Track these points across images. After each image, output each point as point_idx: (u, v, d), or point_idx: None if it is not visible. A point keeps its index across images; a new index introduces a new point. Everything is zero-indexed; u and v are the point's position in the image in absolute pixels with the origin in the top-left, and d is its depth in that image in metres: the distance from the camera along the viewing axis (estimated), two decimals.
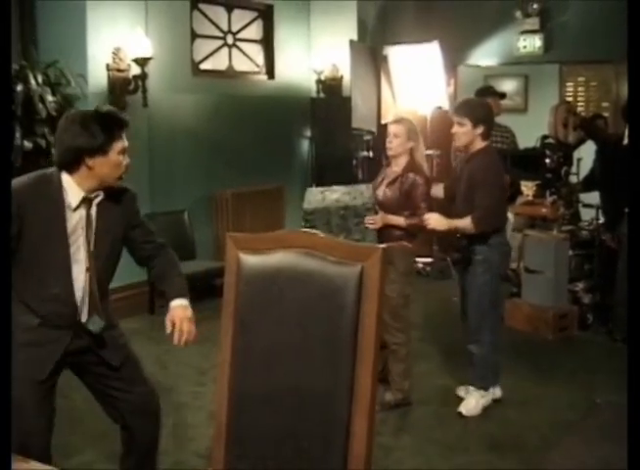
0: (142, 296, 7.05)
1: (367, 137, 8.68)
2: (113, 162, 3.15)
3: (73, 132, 3.05)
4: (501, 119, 7.39)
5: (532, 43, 9.13)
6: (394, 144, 4.92)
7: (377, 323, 2.02)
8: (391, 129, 4.96)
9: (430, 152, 8.26)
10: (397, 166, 4.95)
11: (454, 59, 9.10)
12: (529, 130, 7.38)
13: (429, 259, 8.51)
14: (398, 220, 4.83)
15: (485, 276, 4.76)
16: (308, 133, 9.13)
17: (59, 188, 3.11)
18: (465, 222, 4.65)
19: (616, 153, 6.30)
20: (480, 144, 4.75)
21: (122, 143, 3.17)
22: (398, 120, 5.00)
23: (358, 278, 2.03)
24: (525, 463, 4.31)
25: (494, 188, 4.70)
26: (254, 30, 8.65)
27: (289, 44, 8.83)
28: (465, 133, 4.73)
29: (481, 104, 5.00)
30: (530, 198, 6.88)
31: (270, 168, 8.43)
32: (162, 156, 7.31)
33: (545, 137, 7.08)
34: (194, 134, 7.63)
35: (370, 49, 8.76)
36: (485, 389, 4.96)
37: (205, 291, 7.03)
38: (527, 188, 6.88)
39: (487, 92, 7.04)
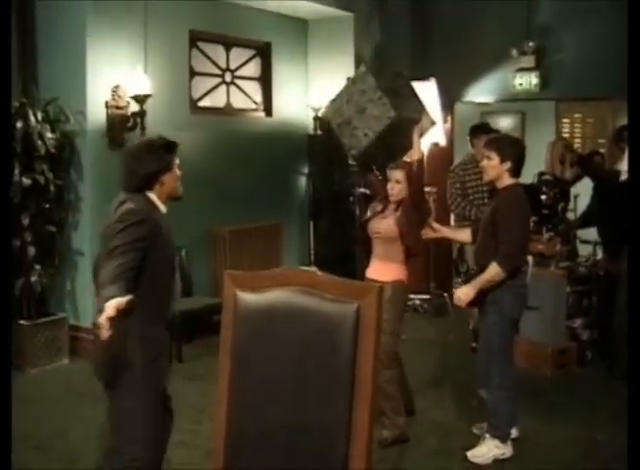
0: None
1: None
2: (176, 175, 3.79)
3: (146, 159, 3.65)
4: None
5: (529, 80, 9.21)
6: (396, 190, 4.98)
7: (374, 361, 2.01)
8: (393, 176, 5.00)
9: (427, 189, 8.30)
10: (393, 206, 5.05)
11: (451, 96, 9.17)
12: (526, 167, 7.36)
13: (425, 296, 8.51)
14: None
15: (495, 317, 4.67)
16: (306, 170, 9.16)
17: (155, 207, 3.76)
18: (491, 270, 4.57)
19: (613, 189, 6.32)
20: (507, 180, 4.71)
21: (176, 159, 3.78)
22: (399, 166, 5.04)
23: (355, 316, 2.03)
24: None
25: (518, 225, 4.63)
26: (253, 68, 8.71)
27: (286, 81, 8.89)
28: (492, 167, 4.71)
29: (513, 141, 4.94)
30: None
31: (268, 205, 8.45)
32: None
33: (542, 174, 7.11)
34: (192, 171, 7.58)
35: None
36: (502, 440, 4.75)
37: (202, 328, 7.03)
38: None
39: (481, 129, 7.09)
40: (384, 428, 4.93)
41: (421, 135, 5.20)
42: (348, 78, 5.49)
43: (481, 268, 4.67)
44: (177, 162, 3.79)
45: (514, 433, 4.93)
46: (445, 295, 8.65)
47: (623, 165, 6.16)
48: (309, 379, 2.10)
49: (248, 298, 2.23)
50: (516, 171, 4.72)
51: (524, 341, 6.56)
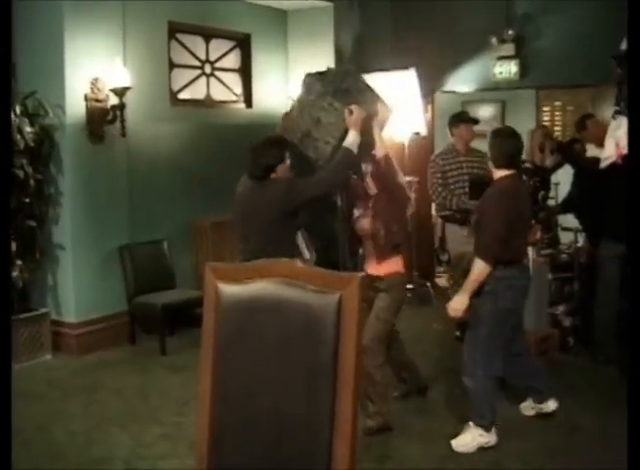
0: (122, 326, 7.01)
1: None
2: (287, 167, 4.81)
3: (270, 153, 4.75)
4: (479, 145, 7.45)
5: (508, 69, 9.22)
6: (372, 185, 5.04)
7: (356, 351, 2.01)
8: (368, 170, 5.04)
9: (408, 178, 8.30)
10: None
11: (431, 85, 9.17)
12: None
13: (409, 286, 8.52)
14: None
15: (488, 307, 4.68)
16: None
17: None
18: (474, 267, 4.62)
19: (593, 176, 6.35)
20: (497, 173, 4.78)
21: (287, 154, 4.83)
22: (371, 160, 5.04)
23: (337, 307, 2.03)
24: None
25: (495, 216, 4.60)
26: (232, 60, 8.68)
27: (266, 73, 8.87)
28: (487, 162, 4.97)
29: (496, 133, 4.97)
30: None
31: None
32: (141, 185, 7.30)
33: (522, 162, 7.12)
34: (172, 164, 7.63)
35: None
36: (486, 428, 4.76)
37: (185, 320, 7.02)
38: None
39: (460, 118, 7.11)
40: (367, 417, 4.95)
41: (381, 127, 5.17)
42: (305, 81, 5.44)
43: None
44: (288, 155, 4.79)
45: (552, 405, 5.13)
46: (428, 284, 8.68)
47: (602, 153, 6.18)
48: (292, 370, 2.10)
49: (229, 290, 2.22)
50: (503, 162, 4.73)
51: None
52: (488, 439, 4.76)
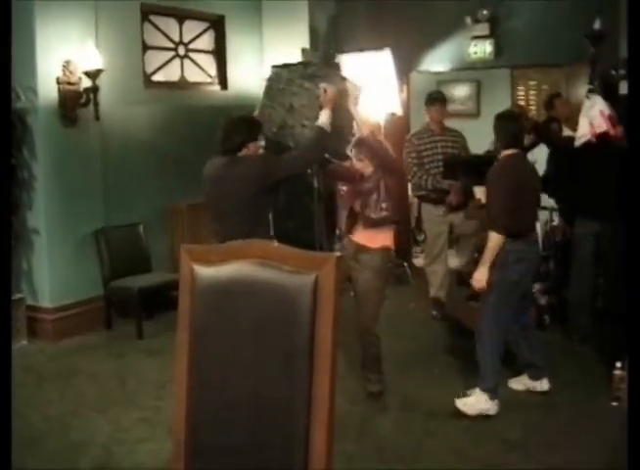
0: (98, 311, 6.97)
1: None
2: (258, 146, 4.82)
3: (243, 129, 4.76)
4: (454, 124, 7.47)
5: (483, 48, 9.22)
6: (363, 166, 5.10)
7: (333, 332, 2.01)
8: (355, 154, 5.12)
9: None
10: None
11: (406, 65, 9.15)
12: (482, 135, 7.44)
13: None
14: None
15: (496, 278, 4.92)
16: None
17: None
18: (489, 239, 4.91)
19: (568, 156, 6.37)
20: (503, 153, 5.08)
21: (261, 137, 4.88)
22: (359, 143, 5.11)
23: (313, 287, 2.02)
24: (486, 466, 4.33)
25: (500, 190, 4.93)
26: (206, 41, 8.61)
27: (241, 54, 8.81)
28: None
29: (499, 116, 5.24)
30: (485, 202, 6.93)
31: None
32: (116, 169, 7.24)
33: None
34: (147, 146, 7.58)
35: (322, 57, 8.76)
36: (491, 396, 4.95)
37: (162, 304, 7.00)
38: (481, 192, 6.94)
39: (430, 99, 7.16)
40: (368, 382, 5.29)
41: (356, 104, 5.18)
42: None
43: None
44: (262, 138, 4.86)
45: (545, 385, 5.29)
46: (405, 264, 8.69)
47: (576, 132, 6.21)
48: (269, 351, 2.10)
49: (205, 272, 2.21)
50: (509, 142, 5.05)
51: None
52: (489, 406, 4.96)
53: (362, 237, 5.16)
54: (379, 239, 5.12)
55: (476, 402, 4.96)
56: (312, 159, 5.01)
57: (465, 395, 5.05)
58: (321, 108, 4.89)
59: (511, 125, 5.13)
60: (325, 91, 4.89)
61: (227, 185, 4.72)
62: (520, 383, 5.40)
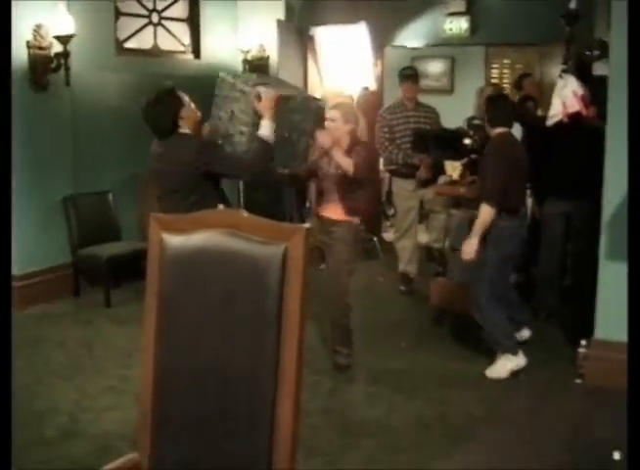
0: (66, 278, 6.94)
1: None
2: (189, 107, 4.67)
3: (163, 108, 4.55)
4: (427, 100, 7.48)
5: (459, 25, 9.24)
6: (331, 127, 5.06)
7: (301, 303, 2.01)
8: (328, 115, 5.12)
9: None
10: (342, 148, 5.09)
11: (381, 40, 9.14)
12: (455, 111, 7.46)
13: None
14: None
15: (491, 252, 5.16)
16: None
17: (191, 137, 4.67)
18: (481, 211, 5.10)
19: (541, 135, 6.39)
20: (494, 130, 5.31)
21: (181, 93, 4.68)
22: (335, 106, 5.23)
23: (282, 258, 2.02)
24: (451, 439, 4.38)
25: (496, 166, 5.14)
26: (180, 9, 8.51)
27: (215, 23, 8.72)
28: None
29: (495, 97, 5.74)
30: (456, 178, 6.96)
31: None
32: (86, 136, 7.17)
33: (472, 118, 7.14)
34: (118, 114, 7.49)
35: (297, 29, 8.73)
36: (512, 352, 5.23)
37: (130, 273, 6.96)
38: (452, 168, 6.96)
39: (402, 75, 7.18)
40: (337, 355, 5.33)
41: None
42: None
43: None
44: (182, 93, 4.66)
45: (525, 333, 5.65)
46: (375, 239, 8.72)
47: (547, 112, 6.23)
48: (237, 321, 2.09)
49: (174, 240, 2.20)
50: (500, 122, 5.29)
51: (450, 283, 6.66)
52: (516, 362, 5.24)
53: (327, 210, 5.25)
54: (347, 212, 5.18)
55: (502, 366, 5.23)
56: (252, 172, 4.74)
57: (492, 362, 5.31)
58: (259, 116, 4.56)
59: (503, 105, 5.47)
60: (259, 97, 4.51)
61: (165, 164, 4.60)
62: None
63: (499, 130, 5.28)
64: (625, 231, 4.17)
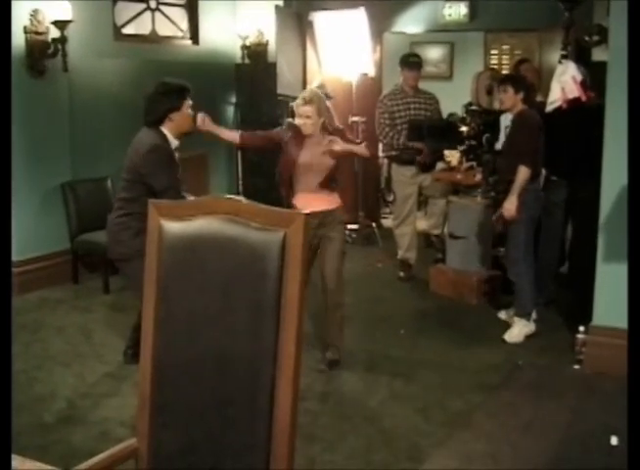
0: (65, 265, 6.93)
1: (292, 103, 8.63)
2: (185, 114, 4.70)
3: (162, 99, 4.63)
4: (426, 86, 7.45)
5: (458, 11, 9.19)
6: (308, 125, 4.98)
7: (300, 290, 2.00)
8: (301, 111, 4.99)
9: (355, 119, 8.28)
10: (316, 138, 5.03)
11: (380, 26, 9.09)
12: (455, 97, 7.45)
13: (354, 226, 8.54)
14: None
15: (522, 215, 5.52)
16: (233, 99, 9.04)
17: (167, 139, 4.67)
18: (520, 173, 5.47)
19: (542, 120, 6.36)
20: (519, 107, 5.68)
21: (188, 101, 4.72)
22: (307, 101, 4.97)
23: (281, 244, 2.02)
24: (449, 425, 4.39)
25: (527, 136, 5.59)
26: None
27: (214, 9, 8.69)
28: (509, 98, 5.70)
29: (521, 77, 6.11)
30: (454, 164, 6.96)
31: (194, 135, 8.29)
32: (84, 122, 7.14)
33: (469, 104, 7.14)
34: (116, 100, 7.47)
35: (296, 15, 8.69)
36: (527, 318, 5.67)
37: None
38: (451, 155, 6.95)
39: (403, 62, 7.15)
40: (327, 350, 5.18)
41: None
42: None
43: (509, 182, 5.56)
44: (189, 103, 4.72)
45: (533, 315, 5.79)
46: (374, 225, 8.72)
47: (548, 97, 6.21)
48: (236, 308, 2.09)
49: (172, 227, 2.19)
50: (526, 99, 5.69)
51: (450, 270, 6.68)
52: (530, 327, 5.68)
53: (306, 203, 5.00)
54: (325, 202, 5.05)
55: (518, 332, 5.63)
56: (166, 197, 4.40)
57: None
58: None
59: (526, 83, 5.84)
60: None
61: (129, 150, 4.77)
62: (503, 314, 6.06)
63: (521, 107, 5.67)
64: (624, 218, 4.18)
